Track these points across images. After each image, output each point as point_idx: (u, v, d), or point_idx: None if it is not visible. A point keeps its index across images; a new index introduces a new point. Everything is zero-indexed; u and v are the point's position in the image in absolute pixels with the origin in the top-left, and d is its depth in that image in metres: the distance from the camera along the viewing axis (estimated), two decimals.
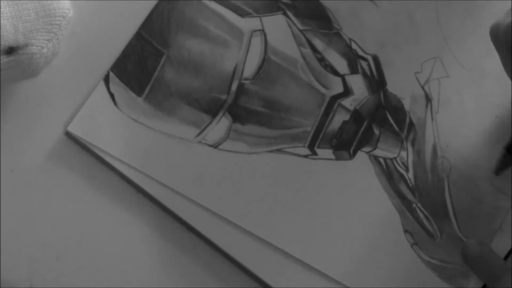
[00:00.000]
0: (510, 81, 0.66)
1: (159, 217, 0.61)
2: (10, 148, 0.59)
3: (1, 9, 0.54)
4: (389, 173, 0.64)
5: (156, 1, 0.62)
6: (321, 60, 0.64)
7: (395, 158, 0.64)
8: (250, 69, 0.63)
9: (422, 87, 0.65)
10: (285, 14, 0.64)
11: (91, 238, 0.60)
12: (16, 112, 0.60)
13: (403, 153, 0.65)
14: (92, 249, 0.60)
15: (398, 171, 0.64)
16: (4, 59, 0.54)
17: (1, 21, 0.53)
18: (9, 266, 0.58)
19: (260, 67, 0.63)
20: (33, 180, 0.59)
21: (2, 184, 0.59)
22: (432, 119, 0.65)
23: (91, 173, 0.60)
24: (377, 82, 0.65)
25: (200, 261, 0.61)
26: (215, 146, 0.62)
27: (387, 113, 0.65)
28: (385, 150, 0.64)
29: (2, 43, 0.53)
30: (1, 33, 0.53)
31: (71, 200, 0.60)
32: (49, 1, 0.55)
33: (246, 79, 0.63)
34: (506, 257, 0.65)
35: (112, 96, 0.60)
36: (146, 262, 0.60)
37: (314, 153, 0.63)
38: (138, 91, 0.61)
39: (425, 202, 0.64)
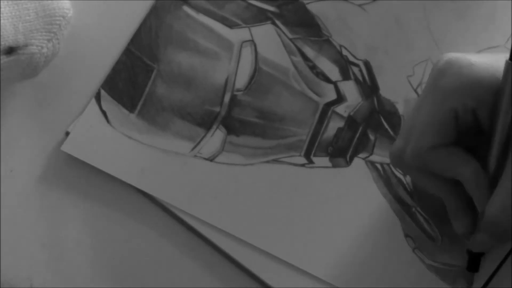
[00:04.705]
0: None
1: (159, 217, 0.61)
2: (10, 148, 0.59)
3: (1, 9, 0.54)
4: (387, 178, 0.64)
5: (144, 16, 0.62)
6: (313, 68, 0.64)
7: None
8: (241, 80, 0.63)
9: (415, 90, 0.65)
10: (273, 23, 0.64)
11: (91, 238, 0.60)
12: (16, 112, 0.60)
13: None
14: (92, 249, 0.60)
15: (395, 176, 0.64)
16: (4, 59, 0.54)
17: (1, 21, 0.53)
18: (9, 266, 0.59)
19: (252, 77, 0.63)
20: (33, 180, 0.59)
21: (2, 184, 0.59)
22: None
23: (91, 173, 0.60)
24: (369, 87, 0.65)
25: (200, 261, 0.61)
26: (211, 159, 0.61)
27: (382, 118, 0.64)
28: (381, 155, 0.64)
29: (2, 43, 0.54)
30: (1, 33, 0.53)
31: (71, 200, 0.60)
32: (49, 1, 0.56)
33: (238, 90, 0.62)
34: (506, 258, 0.64)
35: (104, 113, 0.60)
36: (146, 262, 0.60)
37: (311, 162, 0.63)
38: (131, 108, 0.61)
39: (424, 205, 0.64)
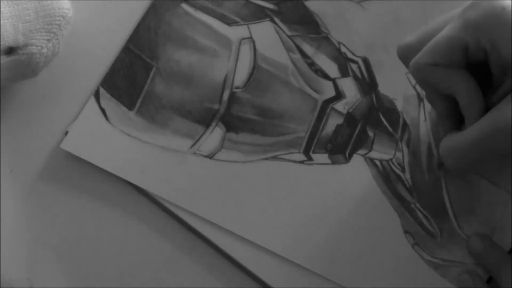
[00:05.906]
0: None
1: (159, 217, 0.61)
2: (10, 148, 0.59)
3: (1, 9, 0.54)
4: (386, 175, 0.64)
5: (143, 14, 0.62)
6: (311, 65, 0.64)
7: (391, 159, 0.64)
8: (240, 77, 0.63)
9: (414, 87, 0.65)
10: (272, 20, 0.64)
11: (91, 238, 0.60)
12: (16, 112, 0.60)
13: (399, 154, 0.64)
14: (92, 249, 0.60)
15: (394, 172, 0.64)
16: (4, 59, 0.54)
17: (1, 21, 0.53)
18: (9, 266, 0.59)
19: (251, 75, 0.63)
20: (33, 180, 0.60)
21: (2, 184, 0.59)
22: (425, 119, 0.65)
23: (91, 173, 0.60)
24: (368, 84, 0.65)
25: (200, 261, 0.61)
26: (210, 156, 0.61)
27: (380, 114, 0.64)
28: (380, 152, 0.64)
29: (2, 43, 0.54)
30: (1, 33, 0.53)
31: (71, 200, 0.60)
32: (49, 1, 0.56)
33: (237, 87, 0.63)
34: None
35: (103, 111, 0.60)
36: (146, 262, 0.60)
37: (310, 159, 0.63)
38: (130, 105, 0.61)
39: (423, 202, 0.64)
